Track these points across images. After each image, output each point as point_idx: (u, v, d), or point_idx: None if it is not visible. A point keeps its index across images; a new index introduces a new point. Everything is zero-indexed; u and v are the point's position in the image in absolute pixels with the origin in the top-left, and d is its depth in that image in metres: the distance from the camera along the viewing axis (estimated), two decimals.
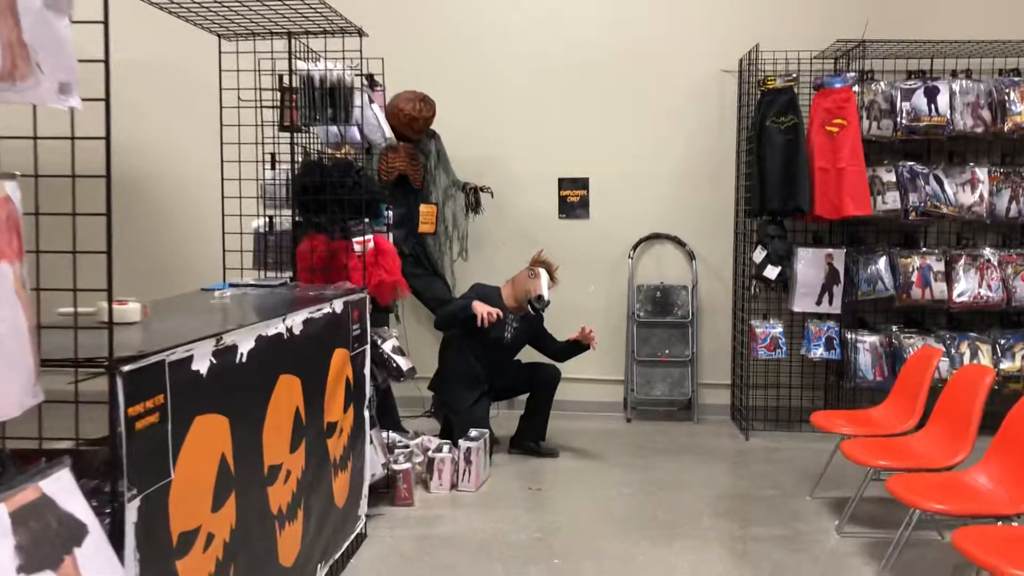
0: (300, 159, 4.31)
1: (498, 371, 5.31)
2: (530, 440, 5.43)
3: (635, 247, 6.35)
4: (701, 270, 6.33)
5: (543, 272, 5.26)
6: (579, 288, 6.41)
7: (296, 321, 3.06)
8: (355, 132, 4.25)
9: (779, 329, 5.89)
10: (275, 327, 2.87)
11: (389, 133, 4.39)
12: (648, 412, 6.37)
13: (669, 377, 6.29)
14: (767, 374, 6.18)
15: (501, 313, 5.04)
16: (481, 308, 4.96)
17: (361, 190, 4.08)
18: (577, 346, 5.39)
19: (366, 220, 4.16)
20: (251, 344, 2.66)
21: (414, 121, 5.67)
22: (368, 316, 4.06)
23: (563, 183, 6.41)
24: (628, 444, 5.73)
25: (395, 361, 4.34)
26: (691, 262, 6.33)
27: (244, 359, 2.61)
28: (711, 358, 6.40)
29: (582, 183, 6.40)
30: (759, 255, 5.80)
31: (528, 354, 5.59)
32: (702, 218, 6.35)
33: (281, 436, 2.91)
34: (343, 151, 4.44)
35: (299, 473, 3.08)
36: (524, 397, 5.50)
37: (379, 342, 4.35)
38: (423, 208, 5.88)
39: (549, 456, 5.37)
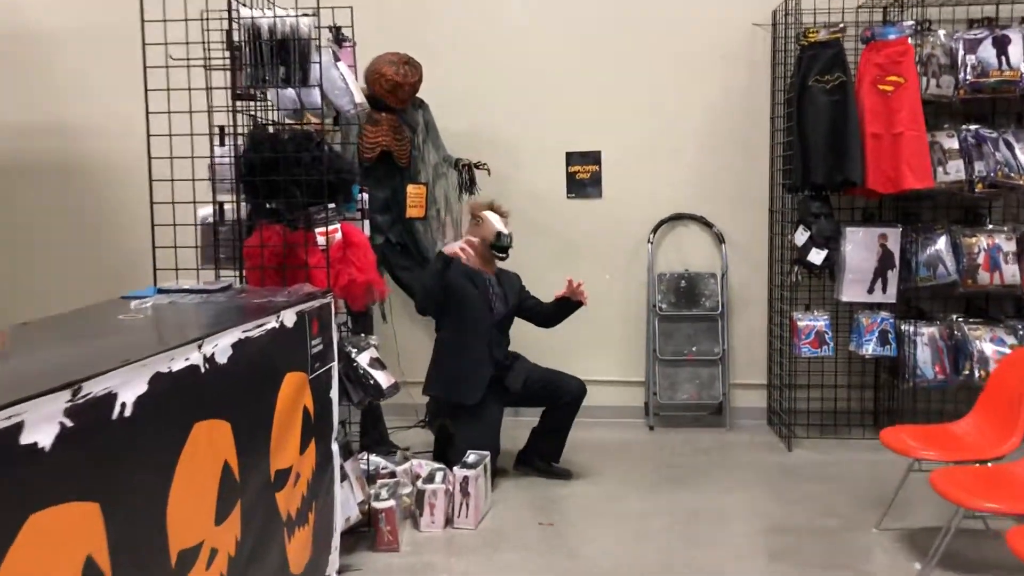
0: (248, 131, 3.48)
1: (499, 345, 4.58)
2: (541, 459, 4.65)
3: (655, 230, 5.54)
4: (731, 255, 5.51)
5: (487, 213, 4.57)
6: (592, 278, 5.53)
7: (221, 346, 2.26)
8: (315, 97, 3.43)
9: (825, 322, 5.08)
10: (184, 359, 2.07)
11: (360, 99, 3.58)
12: (673, 418, 5.58)
13: (696, 378, 5.49)
14: (809, 373, 5.37)
15: (475, 241, 4.38)
16: (451, 247, 4.28)
17: (323, 167, 3.26)
18: (567, 305, 4.65)
19: (331, 206, 3.35)
20: (140, 388, 1.86)
21: (398, 88, 4.86)
22: (335, 325, 3.27)
23: (571, 158, 5.59)
24: (652, 459, 4.94)
25: (372, 377, 3.54)
26: (720, 246, 5.51)
27: (129, 412, 1.81)
28: (744, 355, 5.59)
29: (593, 157, 5.57)
30: (801, 237, 4.98)
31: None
32: (732, 195, 5.52)
33: (198, 509, 2.12)
34: (306, 122, 3.62)
35: (231, 548, 2.29)
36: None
37: (353, 354, 3.55)
38: (411, 189, 5.07)
39: (561, 478, 4.58)
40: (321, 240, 3.29)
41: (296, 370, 2.78)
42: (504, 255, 4.55)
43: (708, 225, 5.53)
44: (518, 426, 4.84)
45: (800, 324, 5.06)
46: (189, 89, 3.49)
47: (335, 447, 3.18)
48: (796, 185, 4.98)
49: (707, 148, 5.51)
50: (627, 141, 5.54)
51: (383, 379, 3.60)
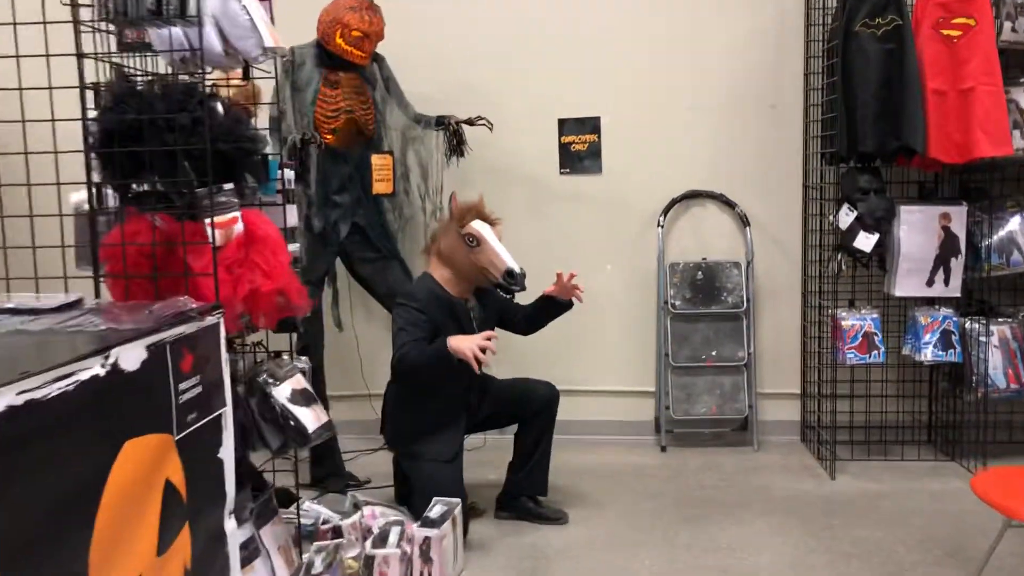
0: (107, 85, 2.54)
1: (475, 384, 3.61)
2: (526, 498, 3.75)
3: (666, 211, 4.61)
4: (758, 240, 4.59)
5: (482, 226, 3.53)
6: (590, 269, 4.67)
7: None
8: (211, 39, 2.51)
9: (874, 321, 4.16)
10: None
11: (272, 41, 2.65)
12: (690, 436, 4.68)
13: (717, 388, 4.58)
14: (852, 381, 4.47)
15: (494, 336, 3.33)
16: (466, 346, 3.25)
17: (205, 133, 2.34)
18: (554, 305, 3.73)
19: (227, 187, 2.44)
20: None
21: (364, 40, 3.96)
22: (238, 350, 2.36)
23: (565, 126, 4.66)
24: (667, 491, 4.04)
25: (292, 418, 2.64)
26: (744, 229, 4.59)
27: None
28: (773, 360, 4.68)
29: (591, 124, 4.64)
30: (845, 218, 4.06)
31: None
32: (758, 169, 4.60)
33: None
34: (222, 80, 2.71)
35: None
36: (512, 429, 3.79)
37: (269, 387, 2.65)
38: (375, 160, 4.17)
39: (554, 522, 3.69)
40: (218, 236, 2.38)
41: (146, 432, 1.88)
42: (508, 297, 3.63)
43: (730, 205, 4.61)
44: (502, 447, 3.93)
45: (844, 324, 4.15)
46: (44, 23, 2.56)
47: (230, 524, 2.28)
48: (839, 155, 4.05)
49: (728, 112, 4.58)
50: (632, 104, 4.61)
51: (308, 419, 2.70)
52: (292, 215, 2.94)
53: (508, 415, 3.72)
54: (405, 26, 4.40)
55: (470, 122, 4.24)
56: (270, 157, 2.85)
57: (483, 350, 3.21)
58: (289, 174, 2.95)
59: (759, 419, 4.60)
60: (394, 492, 3.86)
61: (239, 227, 2.46)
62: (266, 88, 3.98)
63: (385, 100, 4.25)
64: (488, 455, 4.24)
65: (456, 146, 4.24)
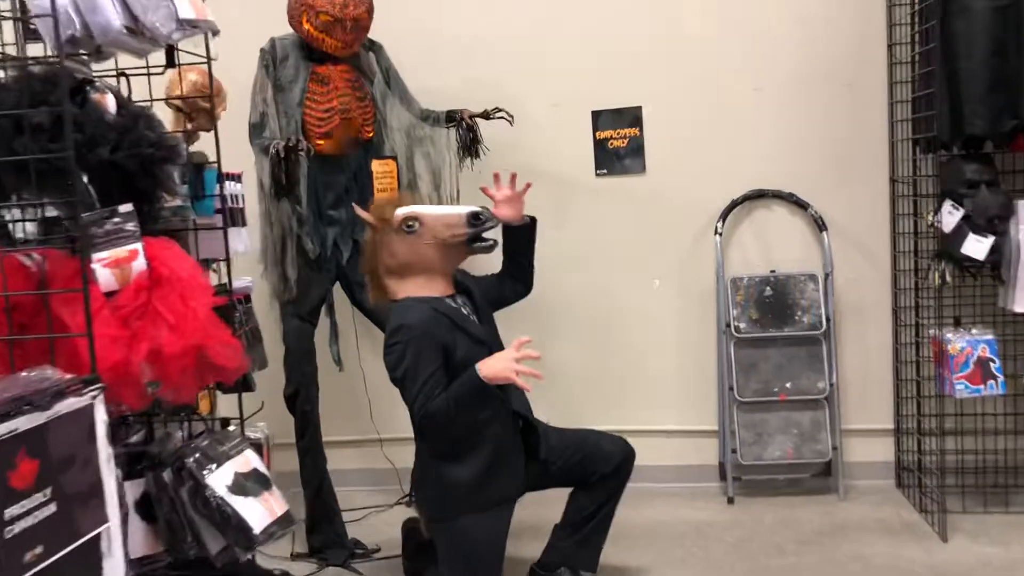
0: None
1: (534, 424, 2.96)
2: (566, 569, 3.02)
3: (725, 215, 3.86)
4: (838, 247, 3.81)
5: (406, 207, 2.84)
6: (635, 287, 3.96)
7: None
8: (104, 9, 1.84)
9: (989, 344, 3.37)
10: None
11: (191, 12, 1.98)
12: (761, 484, 3.91)
13: (793, 426, 3.81)
14: (960, 415, 3.68)
15: (526, 341, 2.65)
16: (502, 367, 2.60)
17: (67, 134, 1.66)
18: (514, 232, 3.01)
19: (124, 209, 1.77)
20: None
21: (335, 27, 3.28)
22: (107, 445, 1.70)
23: (600, 118, 3.93)
24: (736, 561, 3.29)
25: (232, 514, 1.95)
26: (820, 235, 3.82)
27: None
28: (860, 391, 3.90)
29: (631, 116, 3.91)
30: (949, 217, 3.28)
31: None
32: (834, 161, 3.82)
33: None
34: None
35: None
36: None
37: (202, 473, 1.98)
38: (376, 167, 3.48)
39: None
40: (102, 276, 1.70)
41: None
42: (489, 247, 2.85)
43: (801, 206, 3.84)
44: (542, 502, 3.20)
45: (951, 349, 3.36)
46: None
47: None
48: (939, 140, 3.27)
49: (796, 94, 3.81)
50: (679, 90, 3.87)
51: (255, 514, 2.01)
52: (238, 239, 2.26)
53: (571, 473, 2.98)
54: (406, 8, 3.72)
55: (486, 115, 3.55)
56: (207, 167, 2.18)
57: (518, 368, 2.57)
58: (233, 187, 2.27)
59: (845, 461, 3.82)
60: (403, 567, 3.19)
61: (139, 264, 1.79)
62: (241, 88, 3.37)
63: (386, 96, 3.56)
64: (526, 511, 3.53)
65: (470, 145, 3.54)
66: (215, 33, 2.24)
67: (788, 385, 3.80)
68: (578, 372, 3.97)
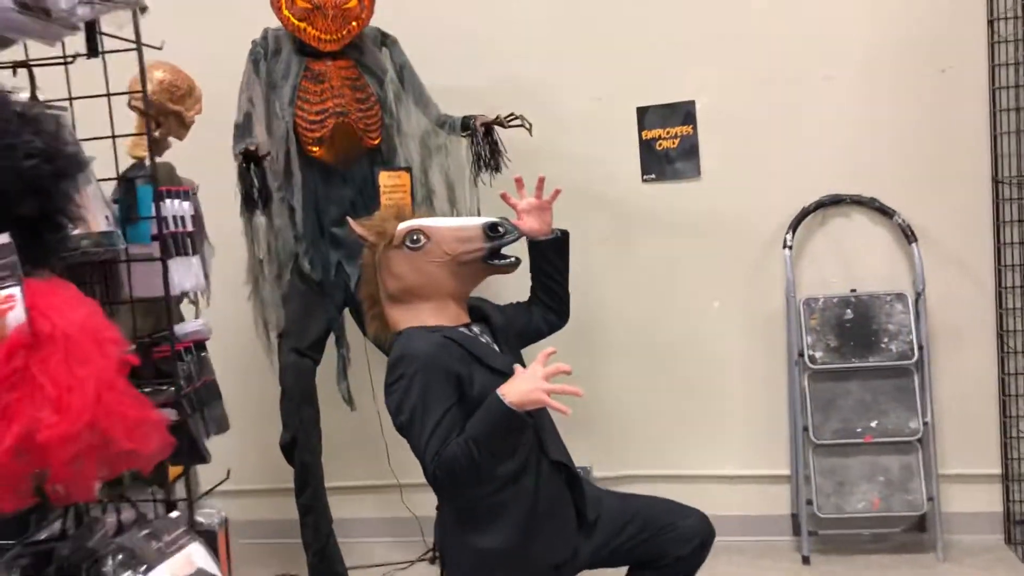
0: None
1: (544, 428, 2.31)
2: None
3: (795, 226, 3.30)
4: (931, 261, 3.23)
5: (411, 221, 2.30)
6: (690, 309, 3.42)
7: None
8: None
9: None
10: None
11: None
12: (843, 540, 3.33)
13: (881, 473, 3.24)
14: None
15: (552, 352, 2.12)
16: (528, 387, 2.02)
17: None
18: (541, 249, 2.43)
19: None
20: None
21: (316, 15, 2.89)
22: None
23: (647, 116, 3.40)
24: None
25: None
26: (909, 247, 3.24)
27: None
28: (961, 429, 3.30)
29: (683, 112, 3.37)
30: None
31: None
32: (924, 160, 3.25)
33: None
34: None
35: None
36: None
37: None
38: (385, 179, 2.97)
39: None
40: None
41: None
42: (510, 264, 2.31)
43: (886, 213, 3.26)
44: None
45: None
46: None
47: None
48: None
49: (879, 83, 3.25)
50: (738, 80, 3.32)
51: None
52: (186, 273, 1.77)
53: (636, 551, 2.37)
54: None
55: (500, 122, 3.02)
56: (139, 183, 1.70)
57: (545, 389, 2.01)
58: (177, 207, 1.78)
59: (943, 513, 3.23)
60: None
61: (16, 315, 1.30)
62: (229, 87, 2.91)
63: (400, 98, 3.06)
64: None
65: (489, 158, 3.02)
66: (143, 9, 1.75)
67: (873, 424, 3.22)
68: (624, 409, 3.44)
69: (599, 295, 3.40)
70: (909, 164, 3.25)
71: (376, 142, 2.94)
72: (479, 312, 2.39)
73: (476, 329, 2.32)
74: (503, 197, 2.41)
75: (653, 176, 3.40)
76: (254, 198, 2.63)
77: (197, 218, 2.08)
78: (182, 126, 2.52)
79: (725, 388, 3.41)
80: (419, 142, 3.05)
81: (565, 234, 2.44)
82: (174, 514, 1.67)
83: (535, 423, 2.18)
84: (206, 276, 2.23)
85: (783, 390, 3.36)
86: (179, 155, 2.71)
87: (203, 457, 1.84)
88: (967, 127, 3.20)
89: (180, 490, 1.96)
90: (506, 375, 2.18)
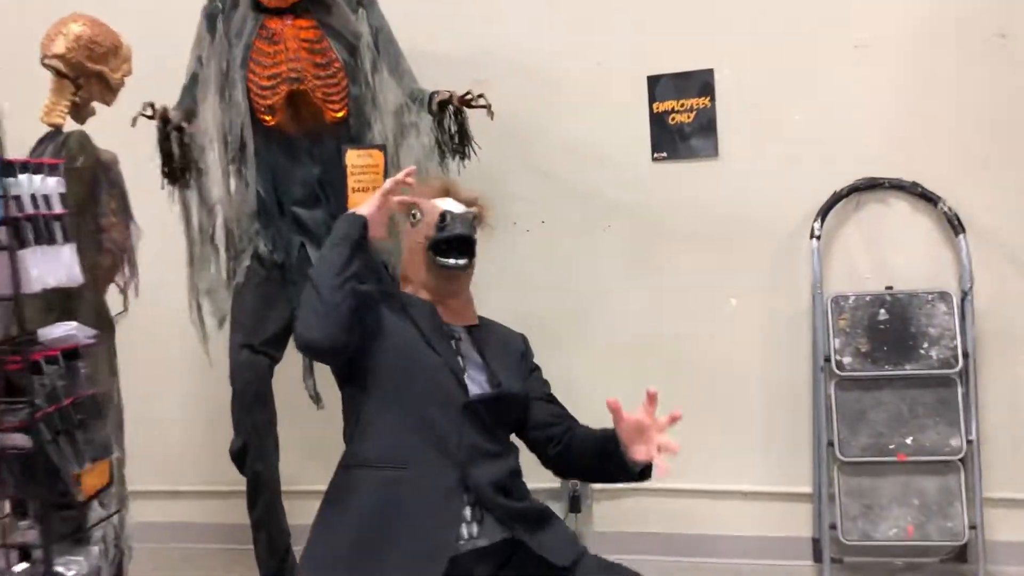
0: None
1: (482, 469, 1.86)
2: None
3: (824, 213, 2.90)
4: (979, 255, 2.82)
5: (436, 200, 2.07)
6: (704, 306, 3.03)
7: None
8: None
9: None
10: None
11: None
12: (871, 570, 2.94)
13: (916, 495, 2.85)
14: None
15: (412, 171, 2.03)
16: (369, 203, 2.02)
17: None
18: (617, 459, 1.86)
19: None
20: None
21: None
22: None
23: (659, 86, 3.01)
24: None
25: None
26: (955, 239, 2.83)
27: None
28: (1009, 448, 2.89)
29: (699, 82, 2.98)
30: None
31: None
32: (975, 140, 2.83)
33: None
34: None
35: None
36: None
37: None
38: (353, 158, 2.60)
39: None
40: None
41: None
42: (458, 262, 1.99)
43: (929, 200, 2.85)
44: None
45: None
46: None
47: None
48: None
49: (923, 50, 2.84)
50: (763, 47, 2.93)
51: None
52: (51, 265, 1.44)
53: None
54: None
55: (467, 102, 2.63)
56: None
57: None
58: (38, 184, 1.44)
59: (988, 542, 2.83)
60: None
61: None
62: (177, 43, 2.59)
63: (376, 66, 2.70)
64: None
65: (456, 141, 2.64)
66: None
67: (909, 441, 2.82)
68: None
69: (599, 288, 3.05)
70: (957, 144, 2.83)
71: (340, 115, 2.58)
72: (496, 334, 2.11)
73: (458, 335, 2.01)
74: (648, 398, 1.88)
75: (665, 155, 3.02)
76: (173, 167, 2.32)
77: (96, 197, 1.75)
78: (107, 90, 2.20)
79: (741, 395, 3.03)
80: (393, 118, 2.68)
81: (645, 472, 1.90)
82: (20, 568, 1.33)
83: (463, 433, 1.85)
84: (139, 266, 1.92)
85: (806, 399, 2.97)
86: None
87: (67, 492, 1.52)
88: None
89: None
90: (451, 370, 1.89)
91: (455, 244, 1.99)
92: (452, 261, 1.97)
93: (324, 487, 1.98)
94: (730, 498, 3.08)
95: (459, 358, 1.97)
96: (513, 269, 3.02)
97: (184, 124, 2.39)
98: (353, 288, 1.87)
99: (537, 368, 2.14)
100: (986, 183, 2.82)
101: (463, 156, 2.61)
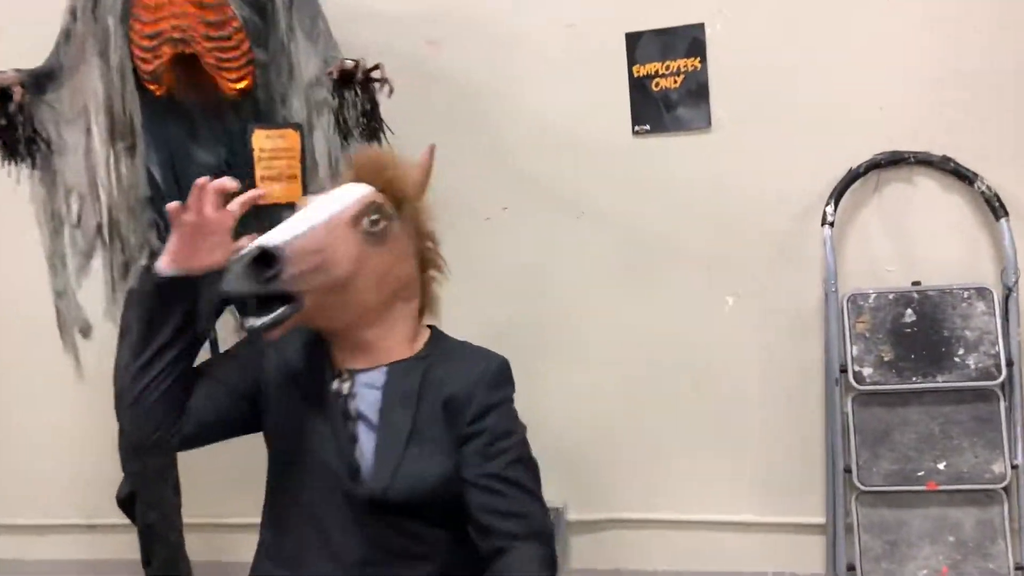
0: None
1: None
2: None
3: (838, 196, 2.42)
4: None
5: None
6: (696, 305, 2.56)
7: None
8: None
9: None
10: None
11: None
12: None
13: (950, 531, 2.40)
14: None
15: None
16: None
17: None
18: None
19: None
20: None
21: None
22: None
23: (639, 45, 2.53)
24: None
25: None
26: (997, 224, 2.36)
27: None
28: None
29: (687, 40, 2.49)
30: None
31: None
32: (1019, 111, 2.35)
33: None
34: None
35: None
36: None
37: None
38: (261, 139, 2.13)
39: None
40: None
41: None
42: (255, 323, 1.33)
43: (965, 178, 2.38)
44: None
45: None
46: None
47: None
48: None
49: (960, 2, 2.37)
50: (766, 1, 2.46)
51: None
52: None
53: None
54: None
55: (368, 76, 2.12)
56: None
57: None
58: None
59: None
60: None
61: None
62: None
63: (291, 30, 2.21)
64: None
65: (362, 118, 2.14)
66: None
67: (941, 467, 2.37)
68: (608, 433, 2.63)
69: (574, 286, 2.58)
70: (998, 111, 2.36)
71: (240, 86, 2.09)
72: (409, 367, 1.46)
73: (347, 386, 1.45)
74: None
75: (648, 127, 2.53)
76: (9, 140, 1.87)
77: None
78: None
79: (741, 411, 2.57)
80: (303, 91, 2.19)
81: None
82: None
83: (354, 532, 1.37)
84: None
85: (818, 416, 2.51)
86: None
87: None
88: None
89: None
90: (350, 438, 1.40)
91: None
92: (250, 323, 1.32)
93: (249, 519, 1.56)
94: (729, 530, 2.63)
95: (356, 424, 1.42)
96: (469, 265, 2.55)
97: (16, 89, 1.92)
98: (170, 366, 1.36)
99: (486, 422, 1.41)
100: None
101: (373, 137, 2.13)
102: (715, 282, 2.54)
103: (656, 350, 2.58)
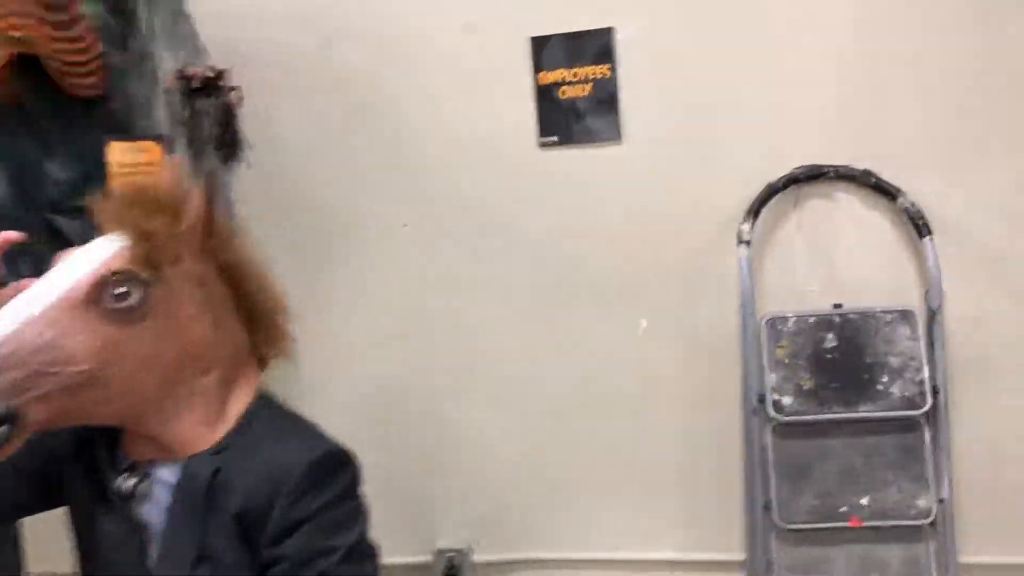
0: None
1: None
2: None
3: (756, 211, 2.27)
4: (950, 264, 2.22)
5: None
6: (606, 330, 2.39)
7: None
8: None
9: None
10: None
11: None
12: None
13: (875, 568, 2.25)
14: None
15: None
16: None
17: None
18: None
19: None
20: None
21: None
22: None
23: (546, 50, 2.35)
24: None
25: None
26: (921, 242, 2.22)
27: None
28: (990, 506, 2.30)
29: (597, 45, 2.32)
30: None
31: None
32: (951, 122, 2.22)
33: None
34: None
35: None
36: None
37: None
38: (118, 153, 1.92)
39: None
40: None
41: None
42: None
43: (887, 194, 2.24)
44: None
45: None
46: None
47: None
48: None
49: (882, 15, 2.22)
50: (678, 2, 2.29)
51: None
52: None
53: None
54: None
55: (210, 83, 1.92)
56: None
57: None
58: None
59: None
60: None
61: None
62: None
63: (153, 25, 2.00)
64: None
65: (219, 132, 1.95)
66: None
67: (865, 502, 2.23)
68: (515, 469, 2.44)
69: (472, 312, 2.39)
70: (925, 122, 2.23)
71: (92, 93, 1.88)
72: (242, 460, 1.13)
73: (139, 483, 1.14)
74: None
75: (555, 139, 2.36)
76: None
77: None
78: None
79: (655, 444, 2.40)
80: (166, 101, 1.98)
81: None
82: None
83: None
84: None
85: (736, 448, 2.35)
86: None
87: None
88: (1016, 70, 2.18)
89: None
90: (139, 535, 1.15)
91: None
92: None
93: None
94: (649, 568, 2.46)
95: (147, 532, 1.15)
96: (364, 286, 2.36)
97: None
98: None
99: (286, 547, 1.09)
100: (961, 172, 2.22)
101: (232, 156, 1.93)
102: (626, 306, 2.36)
103: (565, 378, 2.40)
